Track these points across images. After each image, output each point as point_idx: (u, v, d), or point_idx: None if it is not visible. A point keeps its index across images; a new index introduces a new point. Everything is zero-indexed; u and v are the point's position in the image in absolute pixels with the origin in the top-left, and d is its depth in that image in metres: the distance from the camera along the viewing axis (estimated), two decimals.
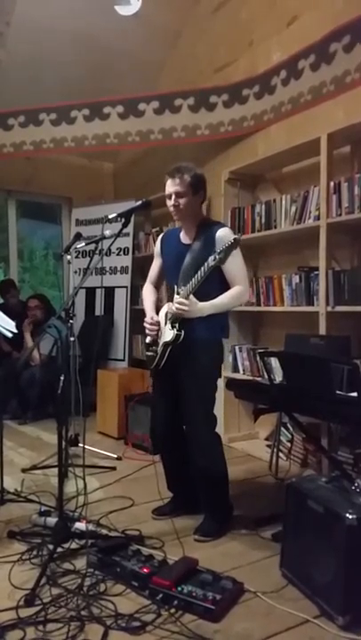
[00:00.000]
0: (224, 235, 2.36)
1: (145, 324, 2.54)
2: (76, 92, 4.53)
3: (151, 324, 2.51)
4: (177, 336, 2.34)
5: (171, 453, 2.65)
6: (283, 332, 3.38)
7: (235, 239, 2.13)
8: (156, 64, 5.03)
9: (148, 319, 2.54)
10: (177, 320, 2.35)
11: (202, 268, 2.22)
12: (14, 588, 1.92)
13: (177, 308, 2.29)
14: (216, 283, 2.36)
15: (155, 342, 2.50)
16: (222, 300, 2.37)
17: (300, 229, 3.41)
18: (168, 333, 2.38)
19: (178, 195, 2.39)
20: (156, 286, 2.73)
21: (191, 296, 2.28)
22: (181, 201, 2.40)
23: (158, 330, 2.49)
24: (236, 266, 2.38)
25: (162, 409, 2.58)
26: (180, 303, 2.27)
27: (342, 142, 3.25)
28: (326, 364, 2.29)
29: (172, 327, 2.36)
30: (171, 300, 2.44)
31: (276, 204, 3.63)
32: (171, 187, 2.41)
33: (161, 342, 2.44)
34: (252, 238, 3.83)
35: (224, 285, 2.40)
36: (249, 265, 4.12)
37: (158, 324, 2.51)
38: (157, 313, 2.58)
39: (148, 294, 2.68)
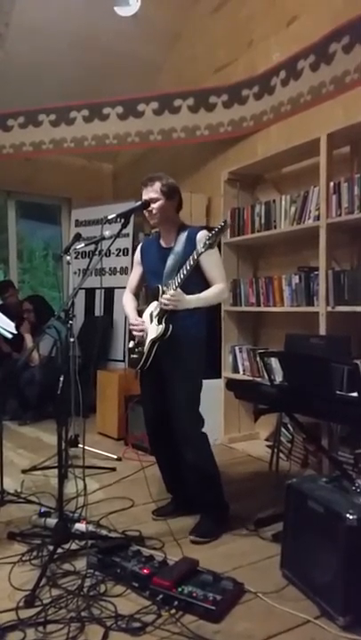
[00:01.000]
0: (204, 235, 2.43)
1: (130, 326, 2.58)
2: (76, 93, 4.53)
3: (137, 324, 2.55)
4: (165, 330, 2.38)
5: (164, 454, 2.67)
6: (283, 333, 3.38)
7: (225, 222, 2.26)
8: (156, 65, 5.04)
9: (132, 320, 2.59)
10: (164, 315, 2.39)
11: (190, 258, 2.31)
12: (14, 589, 1.92)
13: (167, 300, 2.33)
14: (198, 283, 2.44)
15: (139, 344, 2.54)
16: (207, 294, 2.45)
17: (300, 230, 3.41)
18: (155, 329, 2.42)
19: (151, 200, 2.49)
20: (135, 294, 2.79)
21: (179, 289, 2.33)
22: (155, 205, 2.49)
23: (144, 330, 2.53)
24: (215, 265, 2.49)
25: (150, 410, 2.62)
26: (170, 295, 2.33)
27: (342, 142, 3.25)
28: (326, 364, 2.30)
29: (159, 323, 2.41)
30: (154, 299, 2.49)
31: (276, 204, 3.63)
32: (144, 194, 2.51)
33: (147, 340, 2.46)
34: (252, 239, 3.83)
35: (204, 286, 2.48)
36: (248, 265, 4.15)
37: (143, 324, 2.54)
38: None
39: (128, 301, 2.75)
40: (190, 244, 2.46)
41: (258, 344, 4.11)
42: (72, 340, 2.76)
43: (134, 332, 2.56)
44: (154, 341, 2.42)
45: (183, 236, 2.51)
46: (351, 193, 3.02)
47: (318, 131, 3.23)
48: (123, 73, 4.81)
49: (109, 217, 2.50)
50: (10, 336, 2.75)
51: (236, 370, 4.00)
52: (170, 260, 2.49)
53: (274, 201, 3.66)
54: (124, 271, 5.38)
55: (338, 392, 2.33)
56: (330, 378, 2.27)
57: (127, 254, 5.36)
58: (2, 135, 4.56)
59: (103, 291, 5.48)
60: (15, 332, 2.79)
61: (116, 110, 4.40)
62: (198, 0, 4.60)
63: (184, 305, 2.35)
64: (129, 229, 5.00)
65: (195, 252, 2.29)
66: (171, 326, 2.38)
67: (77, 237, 3.35)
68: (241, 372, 3.95)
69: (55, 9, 4.34)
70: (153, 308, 2.50)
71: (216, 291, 2.46)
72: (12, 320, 2.83)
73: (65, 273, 5.97)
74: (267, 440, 3.97)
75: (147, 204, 2.51)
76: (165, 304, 2.34)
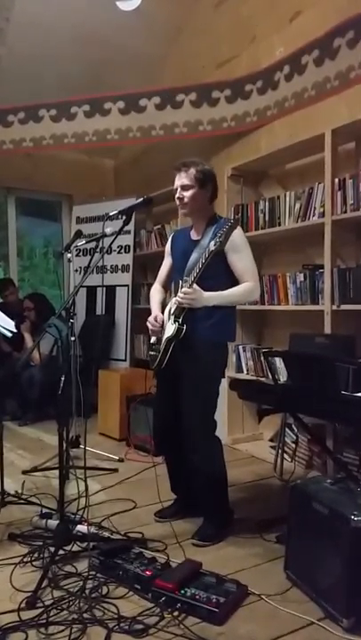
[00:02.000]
0: (224, 221, 2.38)
1: (148, 323, 2.55)
2: (77, 88, 4.54)
3: (153, 322, 2.52)
4: (178, 330, 2.32)
5: (173, 455, 2.65)
6: (287, 332, 3.39)
7: (235, 219, 2.17)
8: (158, 59, 5.04)
9: (151, 317, 2.55)
10: (180, 313, 2.35)
11: (203, 255, 2.25)
12: (16, 590, 1.94)
13: (181, 298, 2.29)
14: (223, 278, 2.37)
15: (159, 341, 2.50)
16: (231, 293, 2.37)
17: (305, 227, 3.42)
18: (170, 328, 2.38)
19: (183, 187, 2.41)
20: (165, 286, 2.72)
21: (195, 285, 2.28)
22: (186, 194, 2.40)
23: (162, 328, 2.50)
24: (244, 261, 2.39)
25: (164, 409, 2.59)
26: (184, 292, 2.28)
27: (347, 138, 3.26)
28: (331, 363, 2.30)
29: (175, 321, 2.36)
30: (174, 295, 2.46)
31: (280, 200, 3.64)
32: (177, 180, 2.43)
33: (163, 339, 2.43)
34: (256, 236, 3.84)
35: (232, 282, 2.40)
36: None
37: (162, 321, 2.51)
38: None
39: (155, 293, 2.68)
40: (217, 237, 2.35)
41: (262, 343, 4.12)
42: (73, 339, 2.78)
43: (150, 329, 2.52)
44: (169, 340, 2.37)
45: (211, 229, 2.42)
46: (356, 189, 3.03)
47: (323, 126, 3.24)
48: (124, 68, 4.82)
49: (110, 214, 2.49)
50: (10, 335, 2.77)
51: (239, 369, 4.01)
52: (194, 254, 2.41)
53: (278, 197, 3.67)
54: (126, 269, 5.39)
55: (343, 392, 2.33)
56: (335, 378, 2.27)
57: (129, 251, 5.38)
58: (2, 131, 4.57)
59: (105, 289, 5.49)
60: (15, 330, 2.81)
61: (118, 105, 4.41)
62: None
63: (201, 302, 2.29)
64: (130, 226, 5.04)
65: (207, 249, 2.23)
66: (185, 327, 2.32)
67: (78, 235, 3.37)
68: (245, 372, 3.96)
69: (57, 3, 4.35)
70: (171, 304, 2.46)
71: (244, 288, 2.37)
72: (13, 319, 2.85)
73: (66, 271, 5.99)
74: (271, 441, 3.99)
75: (149, 200, 2.50)
76: (180, 301, 2.31)
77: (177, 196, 2.44)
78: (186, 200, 2.41)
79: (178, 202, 2.45)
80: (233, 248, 2.33)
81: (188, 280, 2.31)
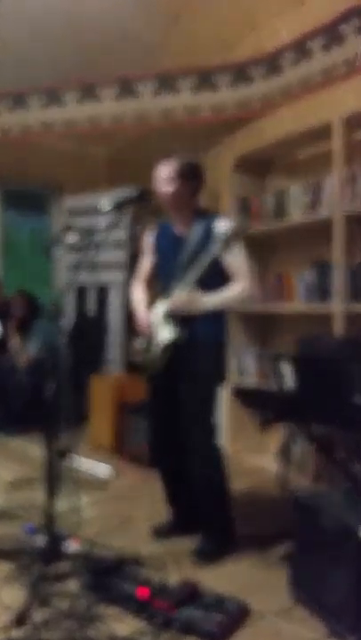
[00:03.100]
0: (222, 226, 2.43)
1: (139, 326, 2.60)
2: (70, 75, 4.58)
3: (144, 323, 2.56)
4: (181, 334, 2.38)
5: (170, 466, 2.69)
6: (294, 333, 3.43)
7: (241, 225, 2.22)
8: (157, 44, 5.08)
9: (140, 316, 2.60)
10: (177, 317, 2.40)
11: (204, 258, 2.30)
12: (3, 608, 1.99)
13: (179, 303, 2.34)
14: (217, 278, 2.42)
15: (149, 346, 2.54)
16: (227, 295, 2.44)
17: (314, 221, 3.46)
18: (167, 332, 2.43)
19: (166, 181, 2.47)
20: (147, 284, 2.77)
21: (192, 290, 2.34)
22: (170, 188, 2.47)
23: (151, 330, 2.54)
24: (238, 260, 2.46)
25: (160, 416, 2.64)
26: (183, 297, 2.33)
27: (358, 126, 3.30)
28: (344, 367, 2.35)
29: (172, 325, 2.41)
30: (165, 296, 2.50)
31: (288, 192, 3.68)
32: (160, 172, 2.50)
33: (159, 344, 2.47)
34: (261, 231, 3.87)
35: (226, 282, 2.47)
36: (257, 260, 4.17)
37: (151, 323, 2.55)
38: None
39: (139, 292, 2.73)
40: (207, 233, 2.42)
41: (267, 347, 4.15)
42: (62, 341, 2.82)
43: (140, 330, 2.57)
44: (168, 345, 2.42)
45: (199, 224, 2.48)
46: None
47: (332, 114, 3.27)
48: (121, 54, 4.84)
49: (102, 208, 2.53)
50: None
51: (242, 374, 4.05)
52: (184, 252, 2.46)
53: (285, 189, 3.71)
54: (120, 266, 5.42)
55: (356, 399, 2.38)
56: (346, 383, 2.32)
57: (122, 248, 5.40)
58: None
59: (96, 288, 5.52)
60: (1, 331, 2.85)
61: (112, 90, 4.46)
62: None
63: (198, 308, 2.36)
64: (125, 220, 5.07)
65: (211, 253, 2.27)
66: (186, 330, 2.38)
67: (68, 229, 3.41)
68: (248, 378, 3.99)
69: None
70: (165, 306, 2.49)
71: (236, 291, 2.45)
72: None
73: (55, 268, 6.02)
74: (276, 451, 4.02)
75: (146, 193, 2.54)
76: (178, 307, 2.36)
77: (159, 189, 2.50)
78: (169, 195, 2.49)
79: (161, 196, 2.52)
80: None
81: (185, 284, 2.36)
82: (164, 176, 2.47)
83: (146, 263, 2.76)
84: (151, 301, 2.68)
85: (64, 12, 4.55)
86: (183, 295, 2.34)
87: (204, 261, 2.31)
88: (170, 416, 2.56)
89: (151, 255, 2.72)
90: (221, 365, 2.60)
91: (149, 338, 2.54)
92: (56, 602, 2.02)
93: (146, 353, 2.55)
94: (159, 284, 2.65)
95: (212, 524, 2.55)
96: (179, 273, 2.44)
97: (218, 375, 2.58)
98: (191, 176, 2.49)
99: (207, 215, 2.56)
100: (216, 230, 2.40)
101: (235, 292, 2.45)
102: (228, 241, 2.24)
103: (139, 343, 2.61)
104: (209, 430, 2.52)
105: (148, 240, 2.74)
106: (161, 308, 2.53)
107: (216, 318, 2.49)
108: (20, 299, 5.01)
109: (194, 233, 2.48)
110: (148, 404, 2.75)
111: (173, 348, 2.42)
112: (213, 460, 2.53)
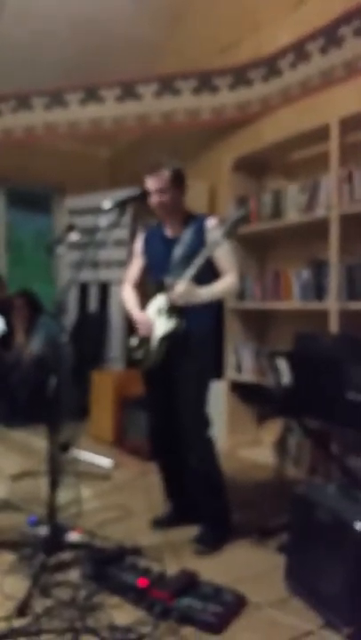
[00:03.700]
0: (214, 224, 2.50)
1: (137, 324, 2.61)
2: (74, 76, 4.57)
3: (145, 321, 2.57)
4: (178, 324, 2.42)
5: (167, 459, 2.71)
6: (290, 331, 3.41)
7: (246, 212, 2.24)
8: (157, 46, 5.07)
9: (139, 317, 2.61)
10: (175, 310, 2.43)
11: (205, 249, 2.34)
12: (5, 598, 1.98)
13: (179, 294, 2.36)
14: (208, 273, 2.46)
15: (144, 342, 2.56)
16: (218, 287, 2.50)
17: (310, 220, 3.46)
18: (166, 324, 2.46)
19: (160, 191, 2.49)
20: (136, 287, 2.80)
21: (190, 282, 2.37)
22: (164, 198, 2.50)
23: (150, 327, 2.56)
24: (228, 255, 2.53)
25: (155, 411, 2.67)
26: (182, 289, 2.35)
27: (355, 128, 3.29)
28: (338, 364, 2.35)
29: (170, 318, 2.44)
30: (160, 293, 2.53)
31: (285, 193, 3.67)
32: (152, 184, 2.51)
33: (157, 337, 2.50)
34: (259, 230, 3.87)
35: (213, 277, 2.51)
36: (254, 258, 4.19)
37: (150, 320, 2.57)
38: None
39: (129, 294, 2.76)
40: (199, 233, 2.49)
41: (264, 343, 4.15)
42: (65, 338, 2.82)
43: (141, 330, 2.59)
44: (164, 338, 2.46)
45: (191, 225, 2.53)
46: None
47: (329, 115, 3.27)
48: (122, 56, 4.84)
49: (105, 207, 2.53)
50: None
51: (240, 370, 4.05)
52: (177, 252, 2.51)
53: (282, 189, 3.71)
54: (121, 264, 5.41)
55: (349, 395, 2.37)
56: (341, 380, 2.32)
57: (124, 245, 5.40)
58: None
59: (98, 285, 5.51)
60: (5, 328, 2.85)
61: (114, 92, 4.45)
62: None
63: (196, 299, 2.40)
64: (127, 219, 5.07)
65: (211, 243, 2.33)
66: (184, 320, 2.42)
67: (70, 228, 3.40)
68: (245, 374, 3.99)
69: None
70: (159, 302, 2.52)
71: (228, 284, 2.52)
72: (1, 316, 2.89)
73: (57, 266, 6.02)
74: (273, 445, 4.02)
75: (147, 193, 2.54)
76: (176, 299, 2.38)
77: (157, 200, 2.52)
78: (167, 203, 2.51)
79: (158, 205, 2.54)
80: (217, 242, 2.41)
81: (182, 277, 2.38)
82: (158, 187, 2.50)
83: (135, 266, 2.80)
84: (141, 302, 2.71)
85: (67, 15, 4.54)
86: (183, 286, 2.36)
87: (203, 256, 2.35)
88: (166, 409, 2.58)
89: (140, 258, 2.76)
90: (212, 356, 2.66)
91: (147, 334, 2.55)
92: (57, 592, 2.02)
93: (143, 348, 2.57)
94: (150, 285, 2.68)
95: (210, 513, 2.57)
96: (174, 271, 2.47)
97: (210, 366, 2.64)
98: (180, 182, 2.54)
99: (196, 216, 2.62)
100: (209, 228, 2.48)
101: (226, 284, 2.52)
102: (237, 224, 2.30)
103: (134, 340, 2.62)
104: (203, 422, 2.54)
105: (138, 244, 2.78)
106: (157, 303, 2.55)
107: (206, 312, 2.54)
108: (23, 297, 5.02)
109: (186, 233, 2.53)
110: (145, 399, 2.78)
111: (170, 340, 2.45)
112: (207, 451, 2.55)
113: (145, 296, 2.69)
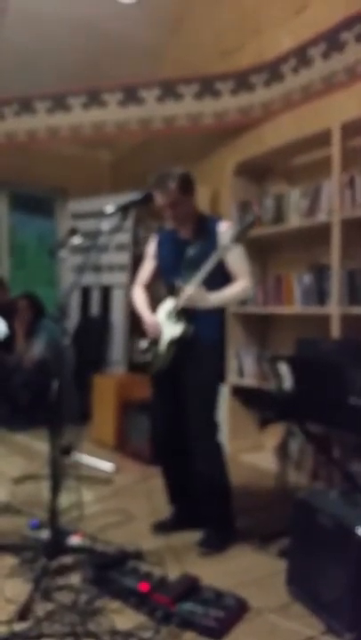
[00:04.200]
0: (226, 228, 2.48)
1: (146, 326, 2.60)
2: (75, 81, 4.59)
3: (154, 324, 2.56)
4: (186, 329, 2.41)
5: (172, 463, 2.70)
6: (292, 336, 3.42)
7: (254, 217, 2.26)
8: (159, 50, 5.10)
9: (149, 321, 2.60)
10: (184, 314, 2.41)
11: (214, 253, 2.32)
12: (6, 602, 1.98)
13: (188, 298, 2.35)
14: (219, 277, 2.44)
15: (153, 345, 2.56)
16: (230, 292, 2.47)
17: (312, 225, 3.46)
18: (174, 328, 2.45)
19: (171, 205, 2.47)
20: (146, 288, 2.79)
21: (199, 286, 2.35)
22: (177, 210, 2.49)
23: (160, 330, 2.55)
24: (240, 260, 2.50)
25: (161, 414, 2.65)
26: (190, 293, 2.34)
27: (356, 133, 3.30)
28: (339, 369, 2.34)
29: (179, 322, 2.43)
30: (170, 296, 2.52)
31: (286, 197, 3.68)
32: (160, 200, 2.48)
33: (166, 341, 2.49)
34: (260, 234, 3.87)
35: (225, 282, 2.49)
36: (256, 263, 4.19)
37: (159, 323, 2.56)
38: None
39: (139, 296, 2.75)
40: (211, 236, 2.47)
41: (266, 348, 4.15)
42: (66, 341, 2.82)
43: (150, 333, 2.58)
44: (173, 342, 2.45)
45: (204, 228, 2.51)
46: None
47: (331, 120, 3.27)
48: (124, 60, 4.86)
49: (107, 211, 2.53)
50: (1, 337, 2.82)
51: (241, 375, 4.05)
52: (189, 254, 2.49)
53: (284, 194, 3.71)
54: (123, 268, 5.43)
55: (351, 400, 2.37)
56: (343, 385, 2.31)
57: (126, 250, 5.41)
58: None
59: (100, 289, 5.52)
60: (7, 331, 2.85)
61: (116, 97, 4.46)
62: None
63: (205, 303, 2.38)
64: (129, 223, 5.08)
65: (220, 248, 2.31)
66: (193, 326, 2.41)
67: (73, 232, 3.41)
68: (247, 378, 3.99)
69: None
70: (169, 305, 2.52)
71: (239, 289, 2.49)
72: (3, 319, 2.89)
73: (59, 269, 6.03)
74: (274, 450, 4.02)
75: (149, 196, 2.54)
76: (184, 302, 2.37)
77: (169, 214, 2.51)
78: (180, 215, 2.50)
79: (170, 219, 2.53)
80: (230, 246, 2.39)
81: (192, 281, 2.37)
82: (167, 202, 2.46)
83: (147, 267, 2.78)
84: (151, 304, 2.70)
85: (70, 19, 4.57)
86: (191, 290, 2.35)
87: (212, 261, 2.33)
88: (172, 414, 2.57)
89: (153, 260, 2.74)
90: (222, 363, 2.68)
91: (156, 337, 2.55)
92: (58, 596, 2.01)
93: (152, 351, 2.56)
94: (161, 287, 2.67)
95: (215, 518, 2.57)
96: (185, 274, 2.45)
97: (219, 371, 2.65)
98: (189, 188, 2.50)
99: (209, 219, 2.60)
100: (221, 232, 2.45)
101: (237, 289, 2.49)
102: (247, 229, 2.26)
103: (143, 343, 2.61)
104: (212, 427, 2.54)
105: (151, 246, 2.76)
106: (167, 306, 2.54)
107: (215, 317, 2.52)
108: (26, 300, 5.02)
109: (198, 236, 2.51)
110: (152, 403, 2.76)
111: (179, 344, 2.44)
112: (216, 456, 2.55)
113: (153, 299, 2.69)
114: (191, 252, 2.49)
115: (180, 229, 2.60)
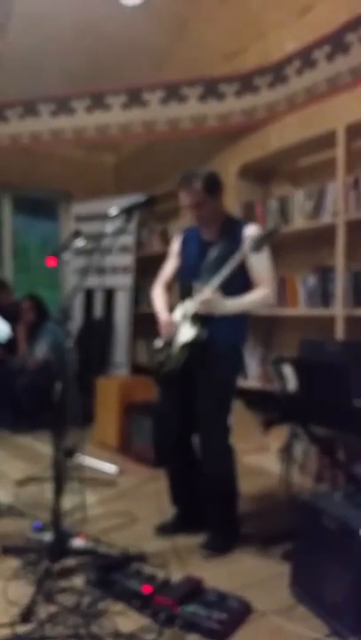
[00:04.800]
0: (253, 232, 2.42)
1: (161, 326, 2.58)
2: (79, 84, 4.60)
3: (169, 324, 2.54)
4: (200, 334, 2.37)
5: (178, 465, 2.69)
6: (296, 337, 3.41)
7: (275, 228, 2.18)
8: (163, 53, 5.10)
9: (164, 320, 2.57)
10: (199, 318, 2.38)
11: (232, 259, 2.27)
12: (9, 604, 1.98)
13: (201, 303, 2.31)
14: (240, 280, 2.40)
15: (168, 346, 2.54)
16: (248, 299, 2.42)
17: (316, 227, 3.45)
18: (188, 332, 2.42)
19: (196, 206, 2.43)
20: (168, 288, 2.76)
21: (216, 291, 2.32)
22: (202, 211, 2.44)
23: (175, 331, 2.53)
24: (263, 266, 2.43)
25: (172, 417, 2.63)
26: (206, 297, 2.30)
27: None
28: (344, 371, 2.33)
29: (193, 326, 2.40)
30: (189, 298, 2.49)
31: (291, 199, 3.68)
32: (185, 199, 2.44)
33: (178, 344, 2.47)
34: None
35: (247, 284, 2.45)
36: None
37: (175, 324, 2.54)
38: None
39: (159, 295, 2.71)
40: (236, 239, 2.41)
41: (270, 349, 4.14)
42: (70, 344, 2.82)
43: (164, 334, 2.55)
44: (186, 346, 2.42)
45: (229, 230, 2.46)
46: None
47: (336, 122, 3.27)
48: (128, 62, 4.87)
49: (111, 213, 2.53)
50: (4, 340, 2.82)
51: (246, 377, 4.04)
52: (211, 256, 2.45)
53: (288, 196, 3.71)
54: (127, 270, 5.43)
55: (356, 402, 2.36)
56: (347, 387, 2.31)
57: (130, 252, 5.41)
58: None
59: (103, 291, 5.52)
60: (10, 333, 2.85)
61: (120, 99, 4.46)
62: None
63: (221, 309, 2.33)
64: (132, 226, 5.08)
65: (239, 253, 2.25)
66: (206, 331, 2.37)
67: (76, 234, 3.41)
68: (251, 380, 3.98)
69: None
70: (186, 307, 2.49)
71: (258, 296, 2.43)
72: (7, 322, 2.90)
73: (63, 272, 6.03)
74: (278, 452, 4.00)
75: (153, 199, 2.53)
76: (199, 307, 2.34)
77: (195, 214, 2.46)
78: (205, 215, 2.45)
79: (196, 219, 2.48)
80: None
81: (210, 284, 2.33)
82: (192, 202, 2.42)
83: (170, 266, 2.74)
84: (170, 303, 2.68)
85: (73, 21, 4.58)
86: (207, 295, 2.31)
87: (230, 266, 2.28)
88: (180, 416, 2.56)
89: (176, 259, 2.70)
90: (239, 366, 2.62)
91: (170, 338, 2.53)
92: (61, 598, 2.01)
93: (165, 352, 2.54)
94: (181, 287, 2.64)
95: (220, 520, 2.56)
96: (205, 276, 2.42)
97: (236, 378, 2.59)
98: (215, 189, 2.44)
99: (235, 221, 2.56)
100: (247, 237, 2.38)
101: (256, 297, 2.44)
102: (266, 239, 2.19)
103: (158, 342, 2.60)
104: (224, 430, 2.52)
105: (175, 244, 2.72)
106: (184, 308, 2.52)
107: (236, 322, 2.46)
108: (30, 302, 5.03)
109: (223, 238, 2.46)
110: (158, 403, 2.76)
111: (192, 348, 2.42)
112: (226, 459, 2.54)
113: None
114: (213, 253, 2.44)
115: (204, 230, 2.56)
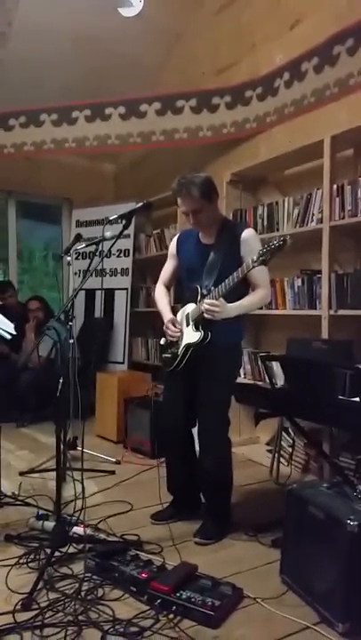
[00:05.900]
0: (249, 236, 2.39)
1: (166, 327, 2.54)
2: (78, 94, 4.55)
3: (173, 325, 2.51)
4: (204, 337, 2.35)
5: (179, 455, 2.66)
6: (284, 336, 3.39)
7: (284, 239, 2.08)
8: (158, 65, 5.06)
9: (168, 322, 2.54)
10: (202, 321, 2.35)
11: (239, 269, 2.20)
12: (11, 591, 1.93)
13: (207, 310, 2.26)
14: (240, 286, 2.36)
15: (172, 344, 2.51)
16: (250, 301, 2.39)
17: (303, 232, 3.42)
18: (192, 335, 2.40)
19: (195, 212, 2.38)
20: (168, 287, 2.73)
21: (221, 298, 2.27)
22: (201, 216, 2.39)
23: (179, 332, 2.50)
24: (261, 272, 2.39)
25: (176, 410, 2.59)
26: (211, 305, 2.25)
27: (346, 145, 3.27)
28: (329, 368, 2.30)
29: (197, 328, 2.38)
30: (191, 300, 2.46)
31: (279, 206, 3.65)
32: (183, 206, 2.39)
33: (182, 344, 2.45)
34: None
35: (246, 289, 2.43)
36: None
37: (179, 325, 2.51)
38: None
39: (162, 295, 2.68)
40: (234, 242, 2.38)
41: (259, 347, 4.11)
42: (71, 341, 2.77)
43: (168, 334, 2.52)
44: (189, 346, 2.40)
45: (226, 233, 2.43)
46: (355, 195, 3.03)
47: (322, 133, 3.24)
48: (125, 73, 4.83)
49: (110, 218, 2.49)
50: (9, 337, 2.77)
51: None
52: (211, 259, 2.41)
53: (277, 203, 3.68)
54: (125, 272, 5.39)
55: (340, 397, 2.33)
56: (332, 382, 2.27)
57: (128, 255, 5.38)
58: (3, 134, 4.58)
59: (103, 292, 5.49)
60: (14, 332, 2.80)
61: (119, 110, 4.42)
62: (201, 1, 4.62)
63: (226, 314, 2.29)
64: (130, 230, 5.03)
65: (245, 266, 2.18)
66: (210, 334, 2.34)
67: (78, 238, 3.36)
68: (242, 376, 3.95)
69: (59, 9, 4.36)
70: (190, 310, 2.46)
71: (258, 298, 2.41)
72: (12, 321, 2.85)
73: (65, 274, 5.98)
74: (267, 444, 3.97)
75: (150, 204, 2.49)
76: (205, 313, 2.28)
77: (192, 221, 2.42)
78: (203, 220, 2.41)
79: (194, 225, 2.44)
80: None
81: (216, 291, 2.29)
82: (190, 209, 2.37)
83: (169, 266, 2.71)
84: (171, 302, 2.67)
85: (72, 32, 4.53)
86: (214, 303, 2.25)
87: (236, 276, 2.21)
88: (183, 409, 2.54)
89: (174, 259, 2.67)
90: (239, 363, 2.63)
91: (174, 338, 2.50)
92: (61, 585, 1.96)
93: (170, 350, 2.53)
94: (182, 287, 2.61)
95: (215, 509, 2.54)
96: (206, 278, 2.39)
97: (236, 372, 2.60)
98: (211, 194, 2.39)
99: (232, 224, 2.53)
100: (243, 241, 2.37)
101: (256, 299, 2.41)
102: (276, 251, 2.10)
103: (163, 340, 2.59)
104: (224, 424, 2.49)
105: (172, 245, 2.68)
106: (187, 310, 2.49)
107: (236, 321, 2.42)
108: (35, 302, 5.01)
109: (221, 241, 2.42)
110: (164, 397, 2.74)
111: (195, 349, 2.39)
112: (224, 451, 2.52)
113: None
114: (214, 257, 2.40)
115: (202, 233, 2.52)
